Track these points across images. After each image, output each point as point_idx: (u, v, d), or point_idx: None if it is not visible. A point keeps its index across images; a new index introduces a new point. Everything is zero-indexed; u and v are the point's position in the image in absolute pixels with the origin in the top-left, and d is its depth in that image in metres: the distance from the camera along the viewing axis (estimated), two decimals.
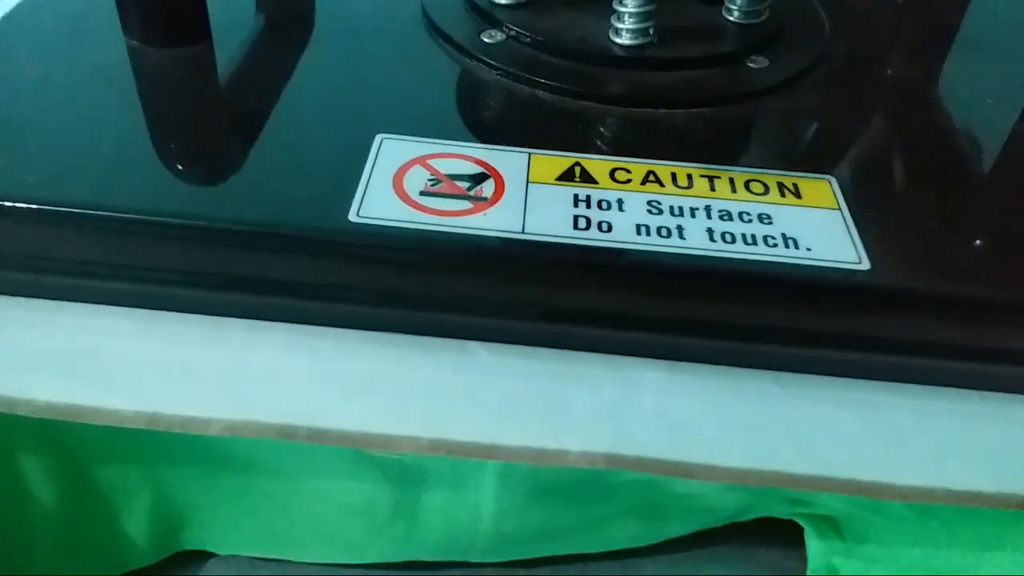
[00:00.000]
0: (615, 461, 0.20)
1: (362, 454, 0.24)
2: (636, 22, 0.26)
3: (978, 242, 0.22)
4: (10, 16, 0.27)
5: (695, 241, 0.21)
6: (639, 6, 0.26)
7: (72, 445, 0.25)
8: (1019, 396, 0.21)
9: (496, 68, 0.26)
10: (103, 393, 0.20)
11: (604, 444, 0.20)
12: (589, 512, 0.27)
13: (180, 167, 0.22)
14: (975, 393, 0.22)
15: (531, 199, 0.22)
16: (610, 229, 0.21)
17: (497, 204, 0.21)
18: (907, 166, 0.24)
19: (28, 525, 0.25)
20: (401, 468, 0.25)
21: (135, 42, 0.25)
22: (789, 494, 0.28)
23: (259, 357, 0.21)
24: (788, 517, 0.29)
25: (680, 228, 0.21)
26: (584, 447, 0.20)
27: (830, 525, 0.28)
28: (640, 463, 0.20)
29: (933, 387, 0.22)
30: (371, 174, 0.22)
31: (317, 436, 0.20)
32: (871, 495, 0.21)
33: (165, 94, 0.25)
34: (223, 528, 0.27)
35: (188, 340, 0.21)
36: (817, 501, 0.28)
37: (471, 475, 0.25)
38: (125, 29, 0.25)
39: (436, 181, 0.22)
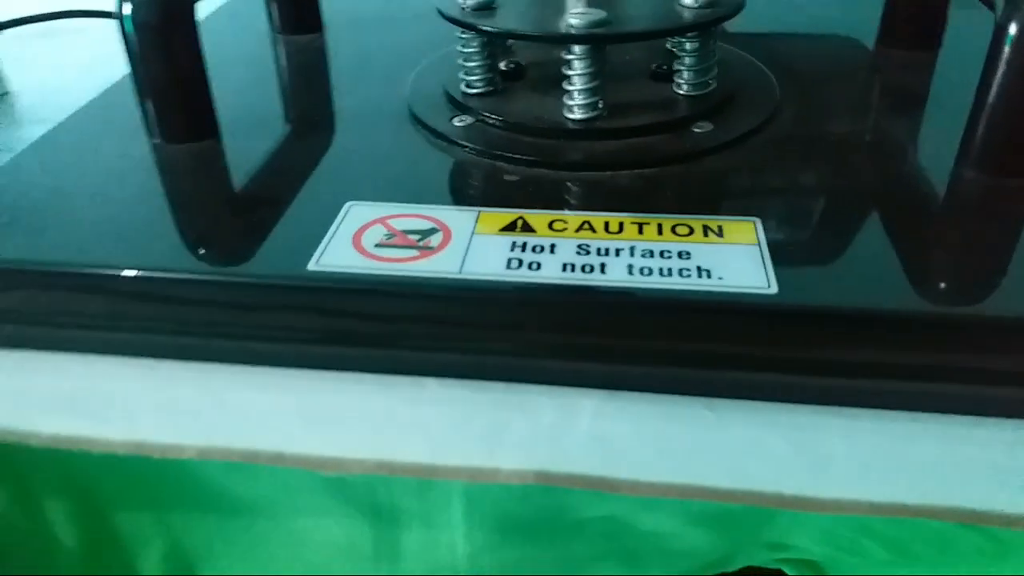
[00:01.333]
0: (544, 477, 0.22)
1: (337, 491, 0.26)
2: (584, 98, 0.29)
3: (877, 264, 0.23)
4: (65, 125, 0.33)
5: (614, 276, 0.23)
6: (584, 84, 0.29)
7: (93, 492, 0.28)
8: (941, 415, 0.22)
9: (464, 146, 0.30)
10: (99, 426, 0.23)
11: (536, 463, 0.22)
12: (564, 554, 0.28)
13: (183, 235, 0.26)
14: (904, 413, 0.22)
15: (473, 247, 0.24)
16: (539, 268, 0.23)
17: (441, 252, 0.24)
18: (823, 208, 0.26)
19: (52, 563, 0.28)
20: (374, 507, 0.27)
21: (156, 140, 0.30)
22: (768, 539, 0.28)
23: (233, 395, 0.24)
24: (772, 565, 0.29)
25: (603, 265, 0.23)
26: (516, 465, 0.22)
27: (813, 570, 0.28)
28: (568, 479, 0.22)
29: (860, 408, 0.22)
30: (335, 232, 0.25)
31: (277, 459, 0.22)
32: (795, 508, 0.21)
33: (179, 180, 0.29)
34: (229, 569, 0.29)
35: (173, 382, 0.24)
36: (795, 545, 0.28)
37: (439, 513, 0.26)
38: (148, 130, 0.30)
39: (391, 235, 0.25)
